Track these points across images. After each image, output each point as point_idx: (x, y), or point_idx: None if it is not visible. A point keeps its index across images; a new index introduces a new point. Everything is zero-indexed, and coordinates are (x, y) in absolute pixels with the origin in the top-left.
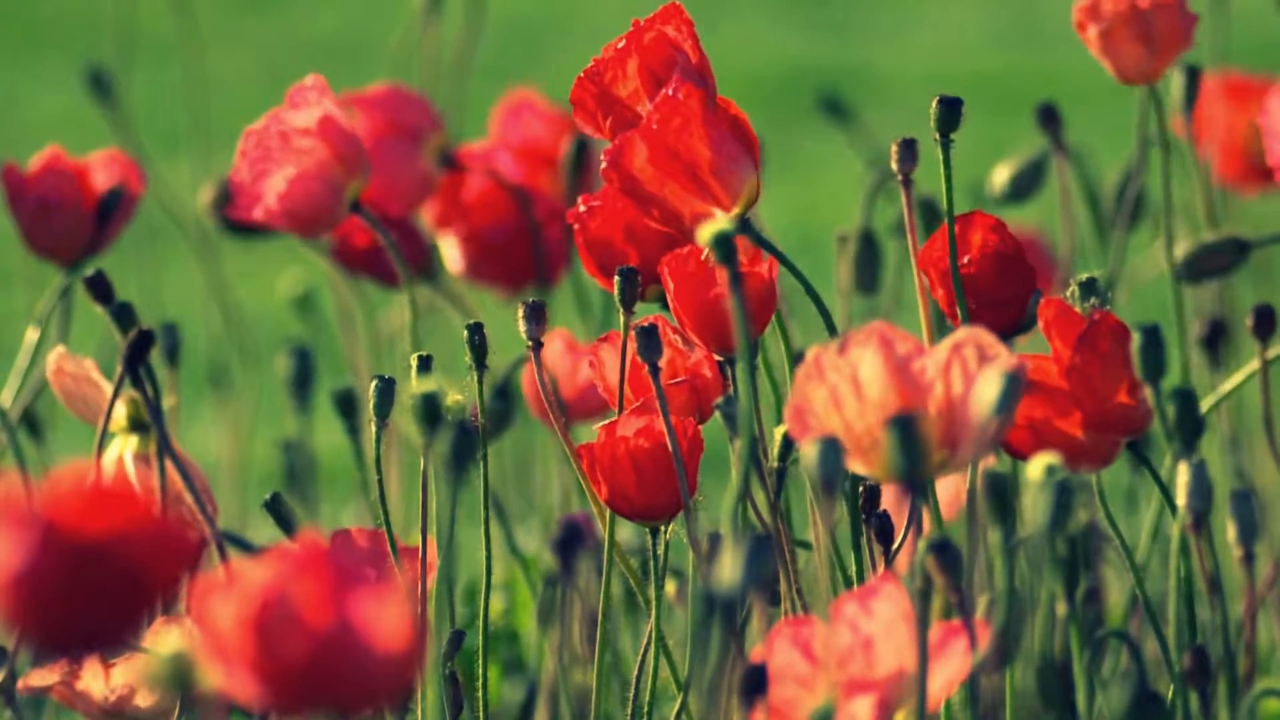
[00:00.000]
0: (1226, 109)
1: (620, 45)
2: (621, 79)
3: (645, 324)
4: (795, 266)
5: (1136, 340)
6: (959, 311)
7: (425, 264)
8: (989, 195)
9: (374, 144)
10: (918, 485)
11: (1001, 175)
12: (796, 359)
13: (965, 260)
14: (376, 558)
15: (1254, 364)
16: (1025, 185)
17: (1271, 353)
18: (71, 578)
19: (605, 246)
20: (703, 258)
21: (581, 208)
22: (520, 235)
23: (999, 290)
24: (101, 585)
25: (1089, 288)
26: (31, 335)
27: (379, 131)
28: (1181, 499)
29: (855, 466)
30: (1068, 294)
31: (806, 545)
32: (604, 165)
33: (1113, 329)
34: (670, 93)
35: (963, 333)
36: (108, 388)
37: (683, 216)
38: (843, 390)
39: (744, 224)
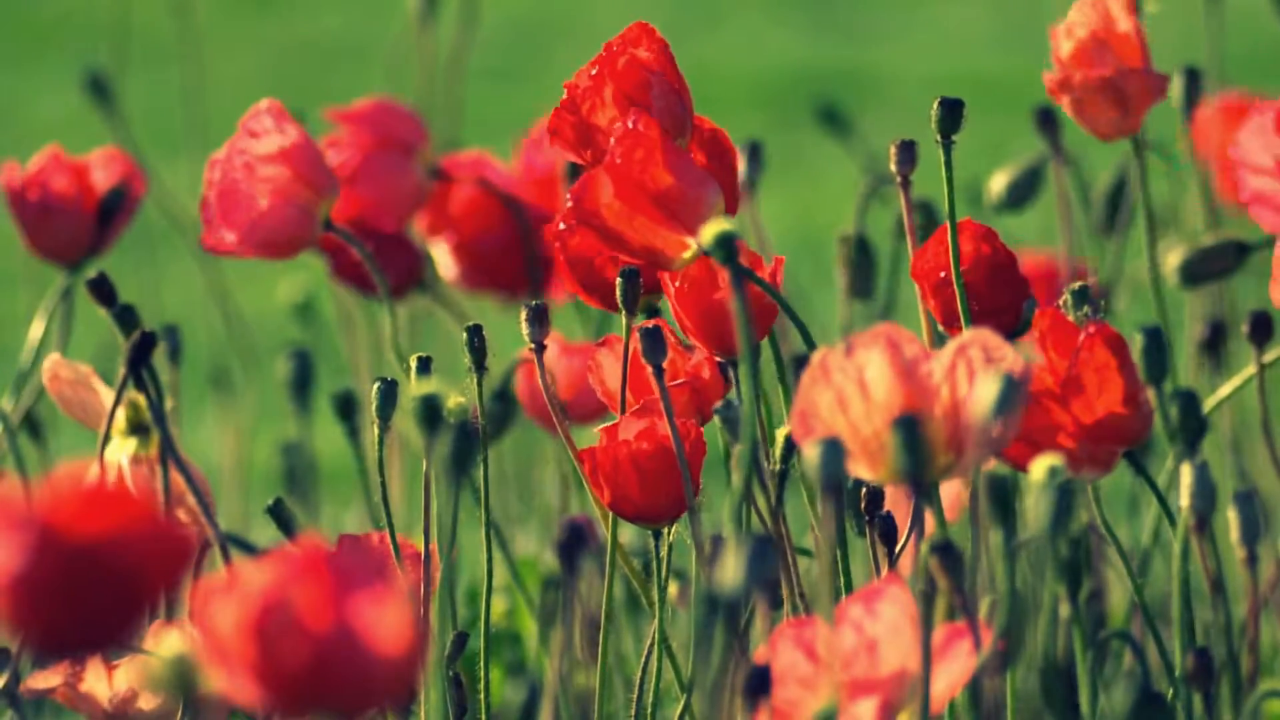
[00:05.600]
0: (1225, 132)
1: (593, 72)
2: (600, 107)
3: (648, 325)
4: (768, 284)
5: (1139, 342)
6: (961, 315)
7: (419, 274)
8: (988, 204)
9: (364, 158)
10: (922, 487)
11: (999, 182)
12: (795, 362)
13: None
14: (385, 562)
15: (1250, 369)
16: (1022, 192)
17: (1269, 357)
18: (68, 580)
19: (586, 264)
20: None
21: (561, 225)
22: (511, 243)
23: (992, 298)
24: (98, 587)
25: (1081, 296)
26: (33, 336)
27: (369, 146)
28: (1185, 500)
29: (860, 470)
30: (1061, 302)
31: (806, 553)
32: (569, 206)
33: (1108, 339)
34: (630, 125)
35: (968, 334)
36: (104, 391)
37: (655, 249)
38: (849, 392)
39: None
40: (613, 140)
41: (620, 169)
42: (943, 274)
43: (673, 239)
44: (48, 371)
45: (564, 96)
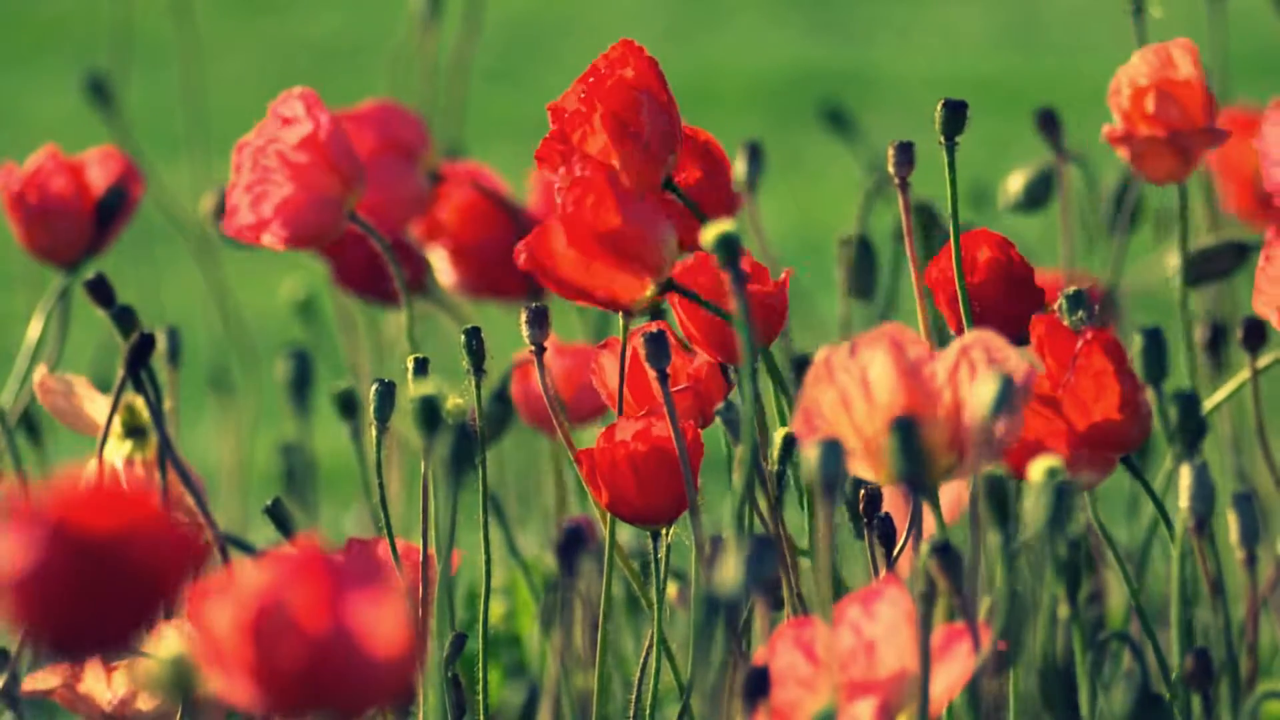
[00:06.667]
0: (1229, 143)
1: (582, 95)
2: (590, 135)
3: (652, 330)
4: (718, 312)
5: (1138, 343)
6: (965, 323)
7: (421, 278)
8: (1000, 207)
9: (367, 161)
10: (919, 488)
11: (1014, 185)
12: (796, 362)
13: (973, 279)
14: (384, 564)
15: (1245, 374)
16: (1038, 195)
17: (1263, 361)
18: (79, 578)
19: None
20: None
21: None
22: (508, 247)
23: (1006, 308)
24: (109, 586)
25: (1076, 301)
26: (31, 336)
27: (372, 148)
28: (1184, 501)
29: (863, 471)
30: (1055, 306)
31: (805, 554)
32: (522, 258)
33: (1105, 345)
34: (577, 172)
35: (971, 336)
36: (96, 399)
37: (613, 294)
38: (852, 392)
39: (669, 284)
40: (559, 189)
41: (572, 217)
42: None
43: (631, 281)
44: (38, 386)
45: (551, 121)
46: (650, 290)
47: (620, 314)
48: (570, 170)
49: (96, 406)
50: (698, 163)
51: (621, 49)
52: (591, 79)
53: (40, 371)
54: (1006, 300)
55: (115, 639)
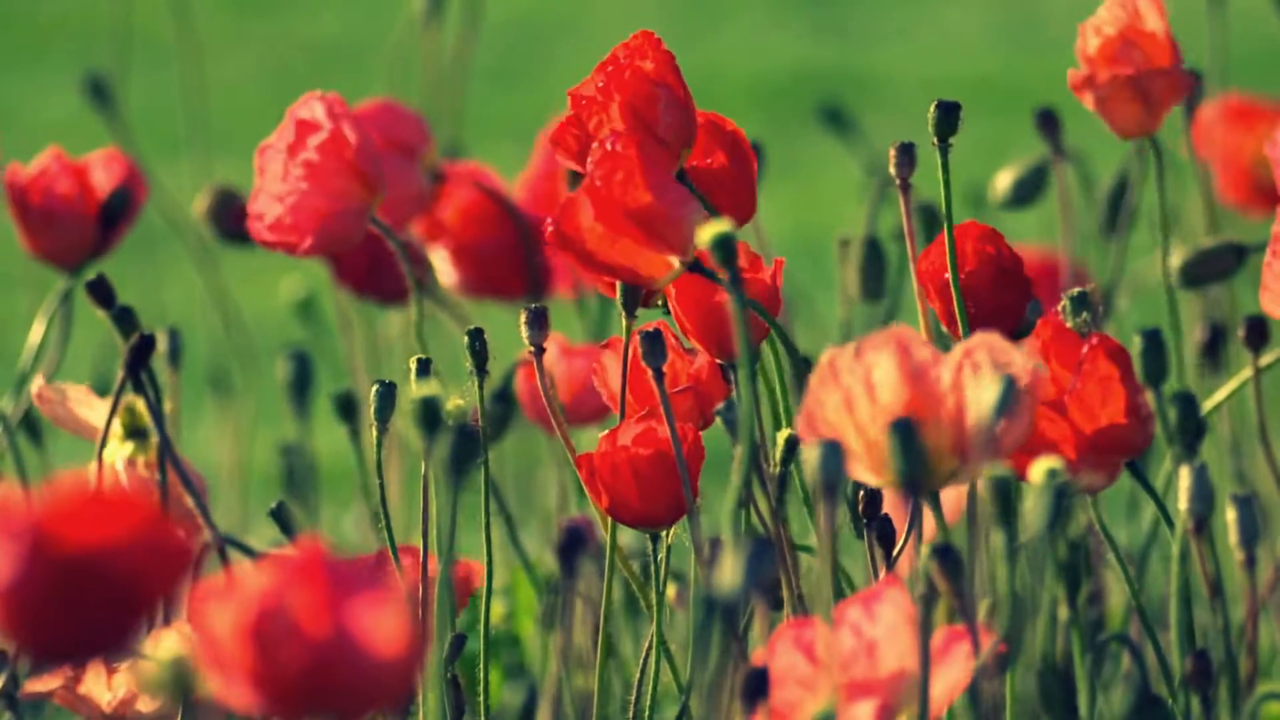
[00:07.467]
0: (1228, 131)
1: (600, 84)
2: (605, 123)
3: (649, 329)
4: (748, 297)
5: (1137, 344)
6: (959, 320)
7: (421, 279)
8: (991, 203)
9: None
10: (919, 490)
11: (1004, 181)
12: (797, 363)
13: (962, 271)
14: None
15: (1247, 372)
16: (1028, 190)
17: (1265, 361)
18: (62, 588)
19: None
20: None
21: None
22: (510, 248)
23: (995, 300)
24: (93, 595)
25: (1080, 302)
26: (33, 338)
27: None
28: (1183, 502)
29: (866, 473)
30: (1060, 307)
31: (808, 549)
32: (550, 231)
33: (1110, 351)
34: (609, 147)
35: (975, 338)
36: (93, 405)
37: (637, 270)
38: (856, 394)
39: (696, 265)
40: (591, 163)
41: (600, 191)
42: (948, 276)
43: (655, 259)
44: (35, 396)
45: (568, 106)
46: (674, 270)
47: (623, 310)
48: (602, 144)
49: (94, 412)
50: (725, 152)
51: (641, 39)
52: (610, 68)
53: (37, 381)
54: (996, 291)
55: (100, 648)
